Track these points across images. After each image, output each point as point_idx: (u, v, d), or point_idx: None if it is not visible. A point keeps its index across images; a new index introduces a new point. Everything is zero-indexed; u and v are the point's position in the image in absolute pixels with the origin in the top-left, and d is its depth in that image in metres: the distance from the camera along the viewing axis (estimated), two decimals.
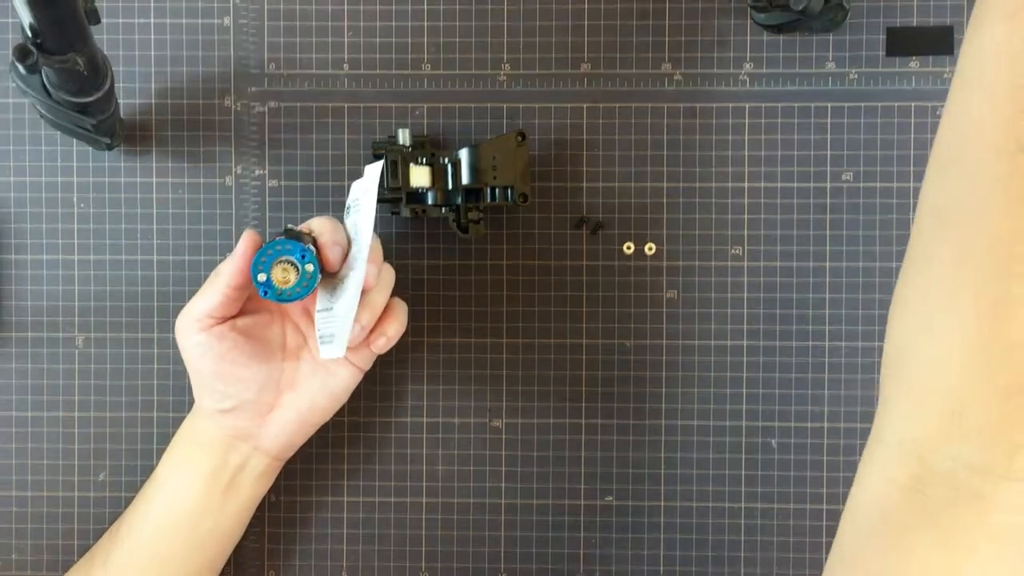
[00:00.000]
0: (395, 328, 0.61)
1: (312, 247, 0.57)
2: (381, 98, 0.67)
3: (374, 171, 0.60)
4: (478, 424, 0.67)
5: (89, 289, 0.67)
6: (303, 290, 0.57)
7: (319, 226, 0.59)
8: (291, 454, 0.64)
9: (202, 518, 0.62)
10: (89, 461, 0.68)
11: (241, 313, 0.62)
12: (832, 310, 0.66)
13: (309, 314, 0.62)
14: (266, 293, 0.57)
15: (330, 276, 0.59)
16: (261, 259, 0.57)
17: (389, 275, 0.61)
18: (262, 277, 0.57)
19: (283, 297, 0.57)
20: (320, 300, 0.60)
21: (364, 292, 0.58)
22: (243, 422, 0.61)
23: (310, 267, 0.57)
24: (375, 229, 0.59)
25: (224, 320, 0.60)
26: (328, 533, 0.68)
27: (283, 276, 0.57)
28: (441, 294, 0.67)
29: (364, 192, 0.60)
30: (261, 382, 0.61)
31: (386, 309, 0.61)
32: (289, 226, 0.59)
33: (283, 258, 0.57)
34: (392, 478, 0.67)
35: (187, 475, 0.62)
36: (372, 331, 0.60)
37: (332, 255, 0.58)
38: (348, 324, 0.57)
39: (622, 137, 0.66)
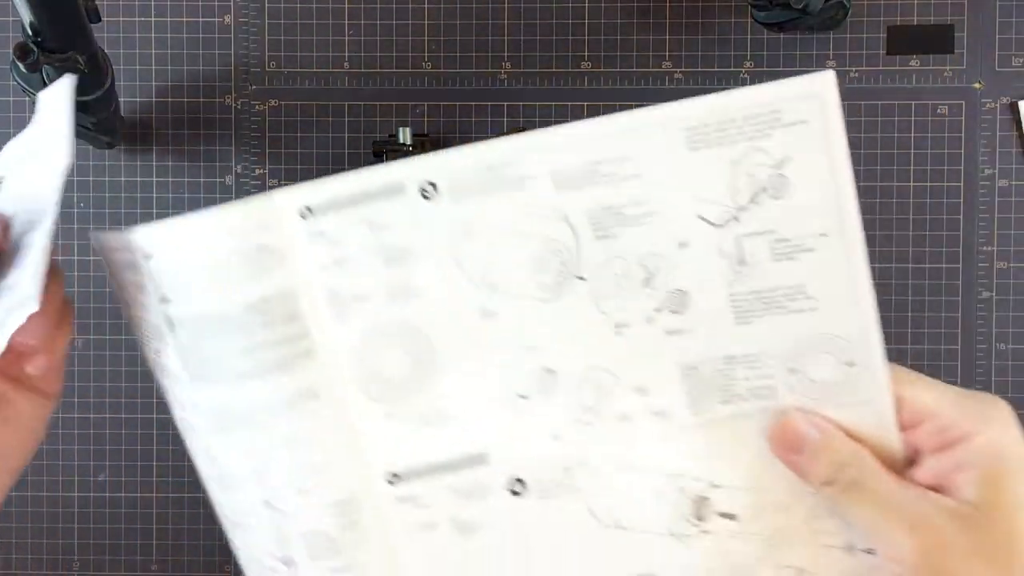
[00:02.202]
0: (64, 341, 0.48)
1: None
2: (381, 96, 0.67)
3: (60, 92, 0.46)
4: None
5: (89, 290, 0.67)
6: None
7: None
8: None
9: None
10: (89, 461, 0.67)
11: None
12: None
13: None
14: None
15: None
16: None
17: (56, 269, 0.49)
18: None
19: None
20: None
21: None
22: None
23: None
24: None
25: None
26: None
27: None
28: None
29: (42, 134, 0.47)
30: None
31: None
32: None
33: None
34: None
35: None
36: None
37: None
38: (35, 280, 0.43)
39: None
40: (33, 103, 0.60)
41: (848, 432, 0.45)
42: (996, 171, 0.66)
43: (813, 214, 0.43)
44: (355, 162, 0.67)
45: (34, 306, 0.43)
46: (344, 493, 0.47)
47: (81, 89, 0.56)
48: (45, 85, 0.56)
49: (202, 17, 0.67)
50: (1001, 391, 0.66)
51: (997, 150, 0.66)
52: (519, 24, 0.67)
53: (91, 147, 0.66)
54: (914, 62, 0.66)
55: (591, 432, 0.46)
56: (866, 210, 0.66)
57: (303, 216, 0.45)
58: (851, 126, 0.66)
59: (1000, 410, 0.44)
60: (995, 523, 0.42)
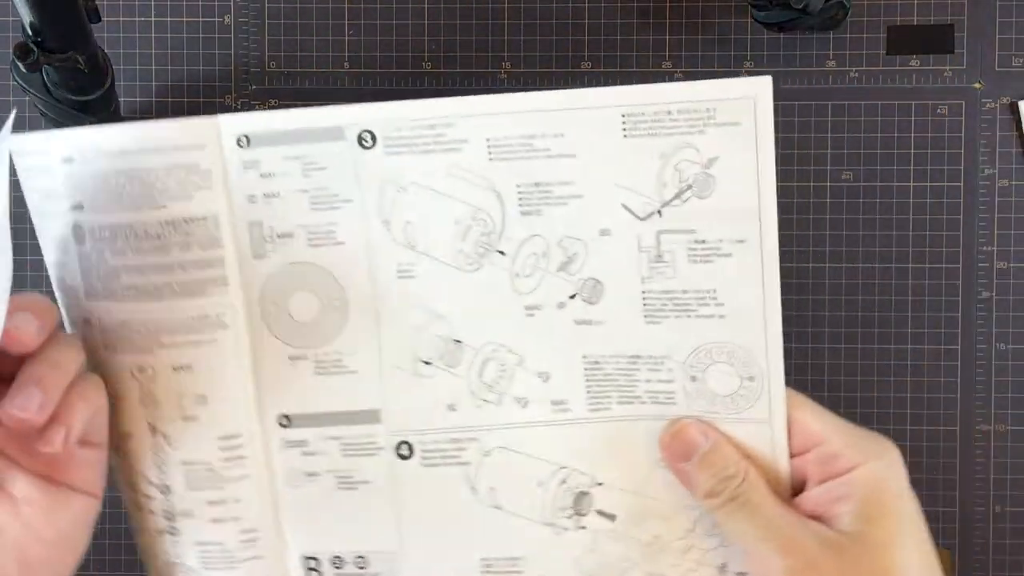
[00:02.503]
0: (84, 412, 0.41)
1: None
2: (381, 96, 0.67)
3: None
4: None
5: None
6: None
7: None
8: None
9: None
10: None
11: None
12: (831, 310, 0.66)
13: None
14: None
15: None
16: None
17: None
18: None
19: None
20: None
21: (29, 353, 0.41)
22: None
23: None
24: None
25: None
26: None
27: None
28: None
29: None
30: None
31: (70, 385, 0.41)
32: None
33: None
34: None
35: None
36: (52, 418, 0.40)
37: None
38: None
39: None
40: (33, 104, 0.60)
41: (739, 448, 0.45)
42: (996, 171, 0.66)
43: (734, 219, 0.43)
44: None
45: None
46: (233, 427, 0.46)
47: (81, 89, 0.56)
48: (45, 85, 0.56)
49: (202, 17, 0.67)
50: (1001, 391, 0.66)
51: (997, 150, 0.66)
52: (519, 24, 0.67)
53: None
54: (914, 62, 0.66)
55: (487, 409, 0.46)
56: (866, 210, 0.66)
57: (240, 144, 0.45)
58: (851, 126, 0.66)
59: (888, 450, 0.44)
60: (867, 556, 0.42)
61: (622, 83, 0.66)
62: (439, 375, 0.46)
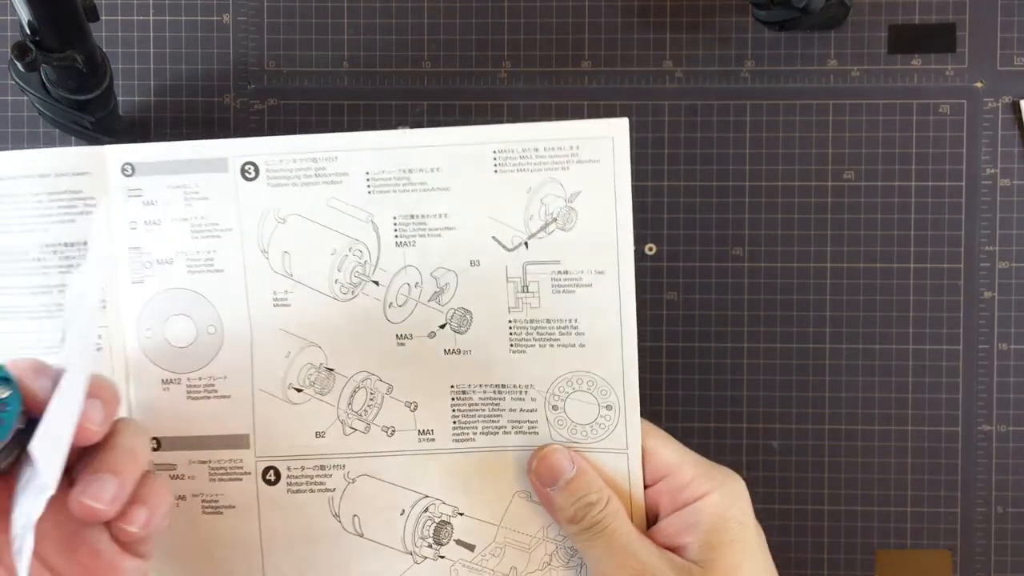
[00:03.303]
0: (165, 499, 0.41)
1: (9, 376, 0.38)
2: (381, 96, 0.67)
3: (95, 232, 0.46)
4: None
5: None
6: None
7: (13, 361, 0.39)
8: None
9: None
10: None
11: None
12: (832, 311, 0.66)
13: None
14: None
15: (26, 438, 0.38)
16: None
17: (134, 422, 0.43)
18: None
19: None
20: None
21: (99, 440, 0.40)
22: None
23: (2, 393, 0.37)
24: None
25: None
26: None
27: None
28: None
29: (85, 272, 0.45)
30: None
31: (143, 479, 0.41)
32: None
33: None
34: None
35: None
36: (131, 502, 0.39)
37: (37, 387, 0.38)
38: (53, 469, 0.37)
39: None
40: (31, 103, 0.60)
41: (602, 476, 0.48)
42: (998, 171, 0.65)
43: (595, 250, 0.47)
44: None
45: (50, 491, 0.36)
46: None
47: (79, 88, 0.56)
48: (43, 84, 0.56)
49: (201, 16, 0.67)
50: (1003, 392, 0.66)
51: (999, 149, 0.65)
52: (519, 24, 0.66)
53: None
54: (916, 61, 0.66)
55: (355, 437, 0.48)
56: (867, 210, 0.66)
57: (125, 172, 0.47)
58: (852, 125, 0.66)
59: (734, 481, 0.48)
60: None
61: (623, 82, 0.67)
62: (310, 402, 0.48)
